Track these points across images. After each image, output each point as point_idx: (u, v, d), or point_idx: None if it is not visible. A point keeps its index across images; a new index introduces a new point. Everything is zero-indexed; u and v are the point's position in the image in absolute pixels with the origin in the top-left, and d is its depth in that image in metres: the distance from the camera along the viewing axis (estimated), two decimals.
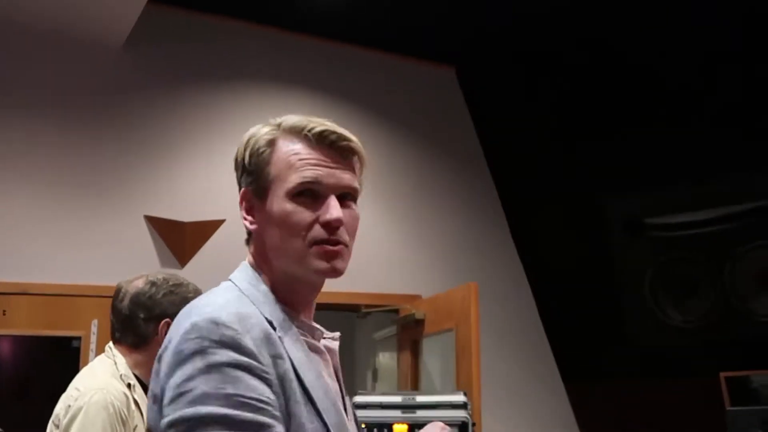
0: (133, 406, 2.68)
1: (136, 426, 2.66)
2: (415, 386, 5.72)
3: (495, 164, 6.21)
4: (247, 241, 1.58)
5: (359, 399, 4.69)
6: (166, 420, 1.27)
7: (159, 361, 1.37)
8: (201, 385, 1.26)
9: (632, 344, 5.32)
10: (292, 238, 1.48)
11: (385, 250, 5.99)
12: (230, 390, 1.26)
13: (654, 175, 5.07)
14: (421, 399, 4.64)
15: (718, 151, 4.76)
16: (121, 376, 2.73)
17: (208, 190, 5.60)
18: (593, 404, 5.98)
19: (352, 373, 8.12)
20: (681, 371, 5.14)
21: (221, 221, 5.54)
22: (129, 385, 2.72)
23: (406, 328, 5.95)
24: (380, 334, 6.77)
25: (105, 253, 5.14)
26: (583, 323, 5.75)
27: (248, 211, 1.55)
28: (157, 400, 1.33)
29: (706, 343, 4.83)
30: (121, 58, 5.50)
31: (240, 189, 1.56)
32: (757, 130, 4.67)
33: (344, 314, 6.77)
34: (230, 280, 1.56)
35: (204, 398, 1.25)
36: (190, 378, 1.27)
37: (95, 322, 5.01)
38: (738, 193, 4.72)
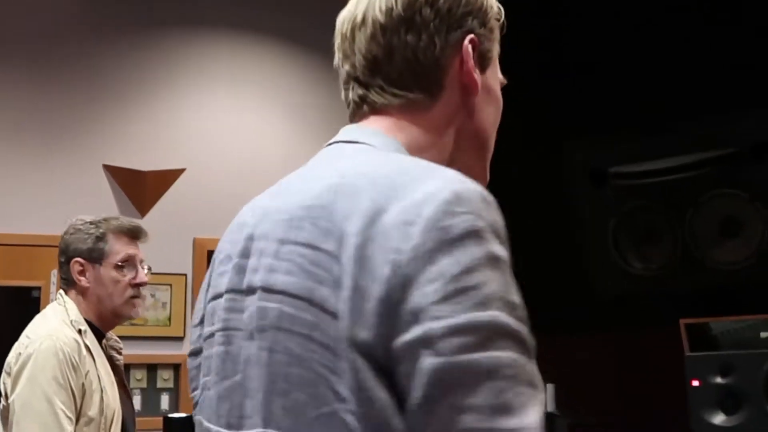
0: (84, 351, 2.66)
1: (88, 372, 2.63)
2: None
3: None
4: (429, 87, 1.18)
5: None
6: (441, 324, 0.89)
7: (385, 237, 0.94)
8: (490, 283, 0.94)
9: (594, 294, 5.29)
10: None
11: None
12: (515, 298, 0.97)
13: (618, 124, 5.01)
14: None
15: (680, 101, 4.72)
16: (71, 322, 2.71)
17: (169, 138, 5.53)
18: (554, 356, 5.95)
19: None
20: (642, 319, 5.09)
21: (182, 170, 5.49)
22: (80, 331, 2.70)
23: None
24: None
25: (64, 202, 5.07)
26: (545, 273, 5.70)
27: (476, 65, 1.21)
28: (374, 296, 0.92)
29: (667, 291, 4.81)
30: (79, 4, 5.39)
31: (462, 30, 1.20)
32: (717, 80, 4.64)
33: None
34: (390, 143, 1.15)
35: (496, 301, 0.93)
36: (470, 269, 0.93)
37: (54, 272, 4.96)
38: (701, 142, 4.70)
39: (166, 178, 5.48)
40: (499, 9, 1.27)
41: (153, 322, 5.43)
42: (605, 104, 5.04)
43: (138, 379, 5.33)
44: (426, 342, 0.90)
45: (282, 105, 5.86)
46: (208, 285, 1.20)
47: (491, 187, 1.15)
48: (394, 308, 0.92)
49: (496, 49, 1.27)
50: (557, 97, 5.20)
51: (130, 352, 5.23)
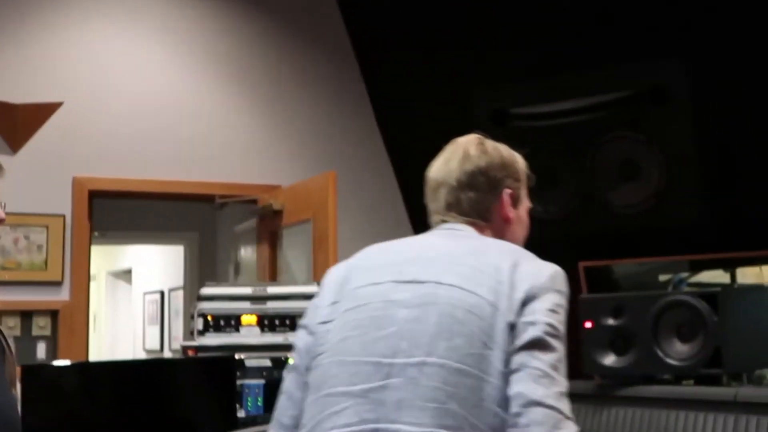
0: None
1: None
2: (274, 279, 5.54)
3: (361, 52, 5.93)
4: (485, 217, 2.05)
5: (206, 291, 4.48)
6: (545, 319, 1.72)
7: (524, 274, 1.79)
8: (562, 315, 1.77)
9: None
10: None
11: (244, 137, 5.71)
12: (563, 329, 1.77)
13: (520, 65, 4.88)
14: (272, 290, 4.47)
15: (582, 41, 4.61)
16: None
17: (45, 67, 5.19)
18: None
19: (214, 268, 7.92)
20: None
21: (59, 104, 5.17)
22: None
23: (265, 219, 5.75)
24: (241, 227, 6.56)
25: None
26: None
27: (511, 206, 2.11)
28: (508, 296, 1.75)
29: (567, 234, 4.73)
30: None
31: (502, 188, 2.10)
32: (619, 24, 4.53)
33: (202, 206, 6.53)
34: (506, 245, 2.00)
35: (561, 324, 1.75)
36: (559, 307, 1.77)
37: None
38: (602, 83, 4.58)
39: (41, 112, 5.20)
40: (526, 167, 2.22)
41: (27, 266, 5.17)
42: (507, 47, 4.91)
43: (11, 326, 5.07)
44: (534, 323, 1.72)
45: (173, 38, 5.58)
46: (344, 279, 1.93)
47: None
48: (526, 306, 1.73)
49: (524, 192, 2.21)
50: (460, 41, 5.04)
51: (1, 297, 5.04)
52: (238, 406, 4.09)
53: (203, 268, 8.16)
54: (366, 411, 1.68)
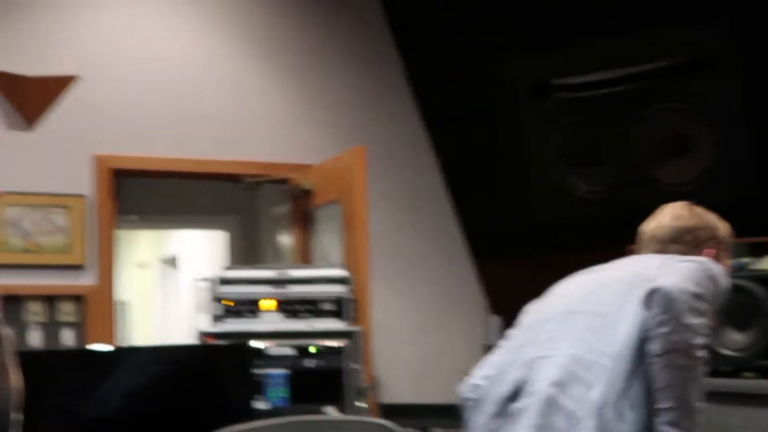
0: None
1: None
2: (307, 262, 5.28)
3: (396, 24, 5.64)
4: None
5: (226, 274, 4.26)
6: (689, 321, 1.99)
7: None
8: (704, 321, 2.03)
9: (539, 216, 4.92)
10: None
11: (273, 113, 5.39)
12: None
13: (559, 34, 4.56)
14: (295, 273, 4.22)
15: (624, 5, 4.27)
16: None
17: (59, 40, 4.95)
18: (499, 280, 5.61)
19: (257, 253, 7.70)
20: (587, 243, 4.79)
21: (73, 77, 4.92)
22: None
23: (297, 200, 5.47)
24: (276, 210, 6.32)
25: None
26: (490, 193, 5.32)
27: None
28: (657, 306, 2.00)
29: (612, 215, 4.44)
30: None
31: (704, 246, 2.39)
32: None
33: (238, 188, 6.32)
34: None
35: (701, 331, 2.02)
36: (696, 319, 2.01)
37: None
38: (646, 51, 4.26)
39: (56, 84, 4.88)
40: (729, 233, 2.47)
41: (49, 249, 4.86)
42: (547, 16, 4.59)
43: (35, 312, 4.81)
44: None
45: (199, 8, 5.29)
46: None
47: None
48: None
49: (725, 255, 2.44)
50: (497, 12, 4.74)
51: (25, 281, 4.79)
52: (259, 396, 3.88)
53: (247, 254, 7.94)
54: None
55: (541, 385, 2.02)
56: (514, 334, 2.32)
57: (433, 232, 5.66)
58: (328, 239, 5.11)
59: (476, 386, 2.25)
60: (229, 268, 4.33)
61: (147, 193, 7.25)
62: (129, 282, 12.69)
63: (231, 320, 4.13)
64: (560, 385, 1.99)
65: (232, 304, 4.13)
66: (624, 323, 2.02)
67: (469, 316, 5.65)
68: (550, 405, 1.98)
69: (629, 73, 4.21)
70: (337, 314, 4.15)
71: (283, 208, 5.96)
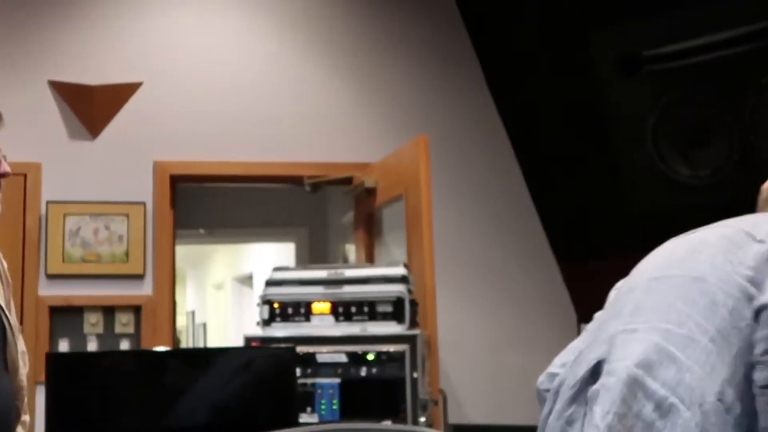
0: None
1: None
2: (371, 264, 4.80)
3: (463, 2, 5.13)
4: None
5: (275, 275, 3.77)
6: None
7: None
8: None
9: (634, 209, 4.35)
10: None
11: (335, 114, 5.07)
12: None
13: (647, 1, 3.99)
14: (350, 273, 3.72)
15: None
16: None
17: (123, 48, 4.83)
18: (589, 285, 5.00)
19: (324, 260, 7.33)
20: None
21: (137, 84, 4.76)
22: None
23: (361, 200, 5.02)
24: (347, 217, 5.90)
25: (5, 124, 4.32)
26: (575, 189, 4.76)
27: None
28: None
29: (722, 203, 3.81)
30: None
31: None
32: None
33: (309, 198, 6.03)
34: None
35: None
36: None
37: None
38: (749, 10, 3.64)
39: (119, 93, 4.75)
40: None
41: (108, 258, 4.70)
42: None
43: (93, 323, 4.67)
44: None
45: (252, 7, 5.01)
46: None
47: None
48: None
49: None
50: None
51: (82, 292, 4.66)
52: (309, 409, 3.41)
53: (315, 263, 7.59)
54: None
55: (622, 364, 1.53)
56: (599, 314, 1.87)
57: (510, 231, 5.12)
58: (392, 239, 4.65)
59: (553, 375, 1.81)
60: (278, 269, 3.82)
61: (213, 205, 7.24)
62: (207, 303, 12.64)
63: (279, 324, 3.65)
64: (647, 365, 1.51)
65: (277, 306, 3.62)
66: (726, 292, 1.52)
67: (554, 327, 5.06)
68: (633, 388, 1.51)
69: (740, 34, 3.58)
70: (396, 317, 3.61)
71: (351, 216, 5.53)
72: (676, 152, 4.02)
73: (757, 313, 1.47)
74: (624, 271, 4.88)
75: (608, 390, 1.51)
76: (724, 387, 1.44)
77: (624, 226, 4.46)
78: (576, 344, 1.84)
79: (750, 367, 1.45)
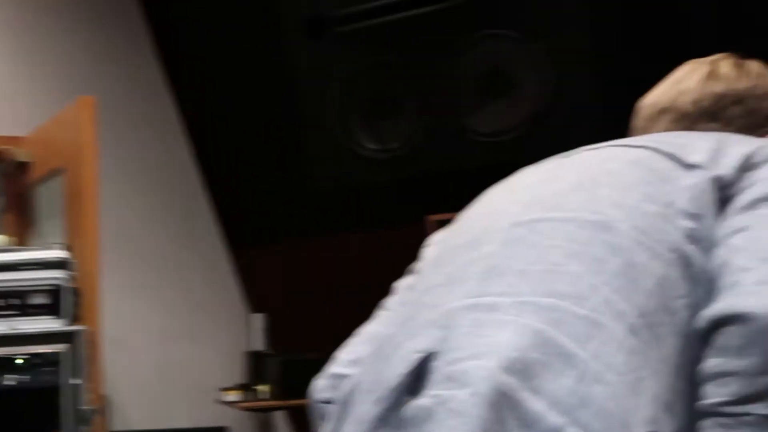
0: None
1: None
2: None
3: None
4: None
5: None
6: None
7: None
8: None
9: (317, 186, 4.05)
10: None
11: None
12: None
13: None
14: None
15: None
16: None
17: None
18: (265, 271, 4.77)
19: None
20: (378, 217, 4.03)
21: None
22: None
23: (10, 178, 4.39)
24: None
25: None
26: (253, 162, 4.45)
27: None
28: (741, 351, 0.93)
29: (412, 178, 3.65)
30: None
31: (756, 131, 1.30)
32: None
33: None
34: None
35: None
36: None
37: None
38: None
39: None
40: None
41: None
42: None
43: None
44: None
45: None
46: None
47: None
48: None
49: None
50: None
51: None
52: None
53: None
54: None
55: (477, 365, 0.93)
56: (407, 281, 1.32)
57: (180, 211, 4.81)
58: (49, 221, 4.06)
59: (339, 378, 1.20)
60: None
61: None
62: None
63: None
64: (522, 369, 0.92)
65: None
66: (652, 251, 1.00)
67: (224, 318, 4.74)
68: (500, 409, 0.90)
69: None
70: (53, 310, 3.06)
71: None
72: (364, 123, 3.76)
73: (720, 325, 0.95)
74: (308, 255, 4.66)
75: (454, 412, 0.90)
76: (656, 412, 0.90)
77: (306, 205, 4.24)
78: (373, 328, 1.26)
79: (692, 377, 0.96)
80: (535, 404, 0.90)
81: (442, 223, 3.47)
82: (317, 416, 1.22)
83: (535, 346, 0.94)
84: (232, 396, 4.51)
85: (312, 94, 3.90)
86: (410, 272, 1.34)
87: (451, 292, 1.06)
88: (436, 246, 1.29)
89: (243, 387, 4.58)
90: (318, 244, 4.40)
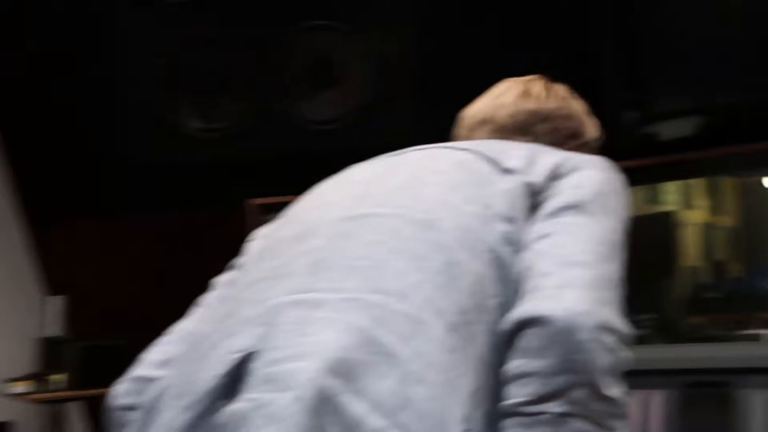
0: None
1: None
2: None
3: None
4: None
5: None
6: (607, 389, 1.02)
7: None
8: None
9: (130, 163, 3.94)
10: None
11: None
12: None
13: None
14: None
15: None
16: None
17: None
18: (63, 251, 4.52)
19: None
20: (196, 198, 3.95)
21: None
22: None
23: None
24: None
25: None
26: (65, 136, 4.25)
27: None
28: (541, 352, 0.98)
29: (234, 160, 3.60)
30: None
31: (567, 146, 1.42)
32: None
33: None
34: None
35: None
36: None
37: None
38: None
39: None
40: (598, 136, 1.56)
41: None
42: None
43: None
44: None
45: None
46: None
47: None
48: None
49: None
50: None
51: None
52: None
53: None
54: None
55: (300, 366, 0.90)
56: (227, 276, 1.28)
57: None
58: None
59: (144, 381, 1.11)
60: None
61: None
62: None
63: None
64: (346, 371, 0.91)
65: None
66: (471, 250, 1.03)
67: (16, 302, 4.44)
68: (322, 414, 0.88)
69: None
70: None
71: None
72: (189, 101, 3.65)
73: (515, 287, 1.00)
74: (115, 235, 4.48)
75: (271, 418, 0.86)
76: (470, 410, 0.91)
77: (118, 182, 4.05)
78: (187, 326, 1.20)
79: (496, 376, 0.97)
80: (357, 408, 0.89)
81: (264, 207, 3.44)
82: (116, 424, 1.13)
83: (360, 345, 0.93)
84: (21, 387, 4.16)
85: (135, 64, 3.76)
86: (232, 267, 1.30)
87: (275, 287, 1.04)
88: (262, 240, 1.28)
89: (34, 377, 4.23)
90: (127, 223, 4.23)
